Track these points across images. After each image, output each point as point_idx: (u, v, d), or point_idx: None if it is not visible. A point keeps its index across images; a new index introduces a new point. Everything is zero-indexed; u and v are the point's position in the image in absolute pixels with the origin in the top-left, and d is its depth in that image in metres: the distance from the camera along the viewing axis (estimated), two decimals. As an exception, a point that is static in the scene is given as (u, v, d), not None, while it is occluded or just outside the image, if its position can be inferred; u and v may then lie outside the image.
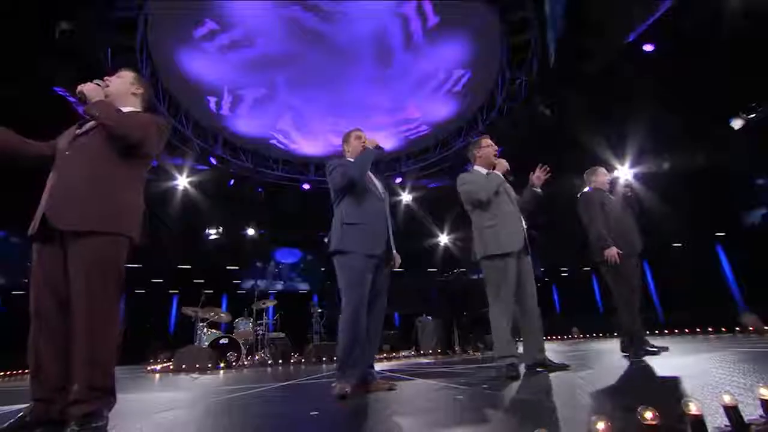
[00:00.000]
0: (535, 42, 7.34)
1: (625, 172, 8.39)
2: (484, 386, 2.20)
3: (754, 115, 6.95)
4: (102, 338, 1.57)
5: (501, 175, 2.82)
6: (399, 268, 2.61)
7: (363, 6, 6.89)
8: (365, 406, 1.83)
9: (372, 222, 2.40)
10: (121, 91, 1.92)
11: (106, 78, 1.93)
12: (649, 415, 0.93)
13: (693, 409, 0.97)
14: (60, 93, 7.13)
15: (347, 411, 1.78)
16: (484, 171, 2.91)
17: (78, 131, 1.79)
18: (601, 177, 3.73)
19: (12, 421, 1.56)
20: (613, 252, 3.31)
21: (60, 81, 6.51)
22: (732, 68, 6.16)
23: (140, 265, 10.33)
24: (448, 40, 7.69)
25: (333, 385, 2.16)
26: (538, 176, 2.94)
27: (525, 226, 2.82)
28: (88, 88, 1.77)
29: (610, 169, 8.23)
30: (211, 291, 7.12)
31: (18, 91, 5.85)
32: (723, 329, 5.56)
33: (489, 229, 2.73)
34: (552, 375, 2.42)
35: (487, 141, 2.98)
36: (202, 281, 11.27)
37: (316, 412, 1.74)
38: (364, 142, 2.55)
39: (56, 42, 5.05)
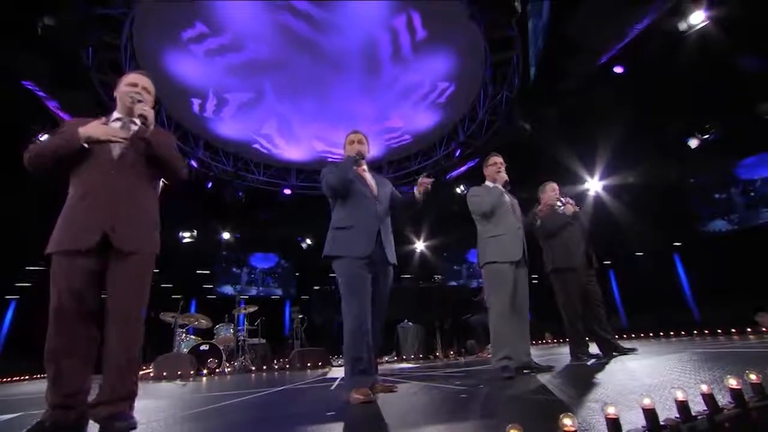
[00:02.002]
0: (517, 59, 7.74)
1: (594, 185, 8.94)
2: (481, 386, 2.34)
3: (707, 135, 7.60)
4: (134, 346, 1.70)
5: (500, 187, 3.08)
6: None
7: (354, 17, 7.04)
8: (377, 406, 1.90)
9: (361, 224, 2.37)
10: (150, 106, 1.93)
11: (137, 88, 1.91)
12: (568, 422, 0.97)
13: (680, 396, 1.16)
14: (29, 87, 6.83)
15: (362, 410, 1.84)
16: (491, 185, 3.18)
17: (123, 147, 1.81)
18: (548, 192, 3.87)
19: (29, 427, 1.56)
20: None
21: (36, 76, 6.24)
22: (691, 92, 6.77)
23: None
24: (434, 54, 7.95)
25: (345, 393, 2.10)
26: (542, 209, 3.29)
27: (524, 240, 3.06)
28: (151, 115, 1.82)
29: (581, 181, 8.79)
30: (180, 296, 6.95)
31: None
32: (683, 332, 6.06)
33: (492, 239, 2.97)
34: (539, 375, 2.57)
35: (492, 159, 3.25)
36: (170, 285, 10.87)
37: (332, 413, 1.82)
38: (354, 146, 2.57)
39: (37, 37, 4.85)
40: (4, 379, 8.01)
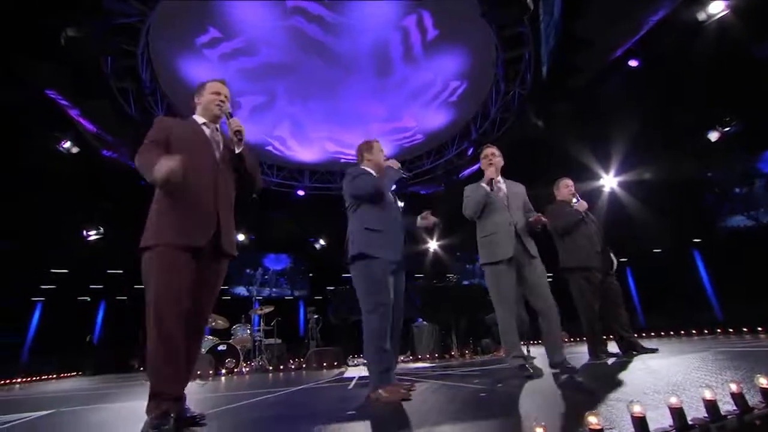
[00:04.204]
0: (528, 56, 7.66)
1: (610, 181, 8.78)
2: (500, 385, 2.33)
3: (728, 128, 7.39)
4: None
5: (485, 186, 2.87)
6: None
7: (366, 19, 7.08)
8: (398, 405, 1.89)
9: (391, 229, 2.43)
10: None
11: (221, 97, 1.98)
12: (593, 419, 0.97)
13: (708, 395, 1.15)
14: (52, 96, 7.06)
15: (383, 409, 1.85)
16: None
17: (221, 152, 1.91)
18: (563, 190, 3.79)
19: (158, 421, 1.52)
20: None
21: (54, 84, 6.45)
22: (709, 85, 6.59)
23: (121, 271, 10.12)
24: (445, 53, 7.94)
25: (371, 394, 2.10)
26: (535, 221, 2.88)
27: (520, 234, 2.80)
28: (244, 130, 1.93)
29: (596, 177, 8.64)
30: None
31: (16, 95, 5.78)
32: (705, 331, 5.87)
33: (484, 239, 2.87)
34: (559, 375, 2.49)
35: (483, 151, 3.02)
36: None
37: (353, 411, 1.85)
38: (385, 159, 2.64)
39: (60, 47, 5.03)
40: (32, 378, 8.30)
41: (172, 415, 1.55)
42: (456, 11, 6.93)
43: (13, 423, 2.18)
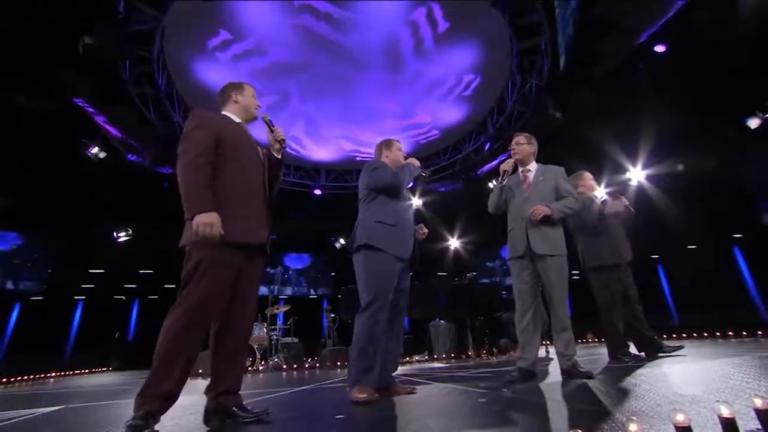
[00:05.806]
0: (545, 45, 7.35)
1: (637, 174, 8.32)
2: (504, 390, 2.20)
3: (770, 113, 6.83)
4: None
5: (497, 183, 2.82)
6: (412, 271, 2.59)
7: (374, 14, 7.00)
8: (390, 410, 1.84)
9: (403, 224, 2.40)
10: None
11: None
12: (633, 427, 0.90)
13: (725, 411, 0.99)
14: (80, 105, 7.38)
15: (373, 414, 1.79)
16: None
17: (263, 153, 2.01)
18: (586, 182, 3.61)
19: (140, 422, 1.48)
20: None
21: (80, 93, 6.74)
22: (748, 68, 6.10)
23: (152, 270, 10.50)
24: (458, 45, 7.75)
25: (347, 390, 2.14)
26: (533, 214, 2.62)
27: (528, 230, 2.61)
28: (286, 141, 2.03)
29: (623, 170, 8.20)
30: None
31: (41, 103, 6.07)
32: (744, 332, 5.42)
33: (507, 235, 2.77)
34: (569, 381, 2.34)
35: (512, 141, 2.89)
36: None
37: (341, 416, 1.77)
38: (405, 156, 2.68)
39: (79, 56, 5.23)
40: (66, 373, 8.74)
41: (155, 417, 1.53)
42: (466, 2, 6.72)
43: (18, 419, 2.23)
